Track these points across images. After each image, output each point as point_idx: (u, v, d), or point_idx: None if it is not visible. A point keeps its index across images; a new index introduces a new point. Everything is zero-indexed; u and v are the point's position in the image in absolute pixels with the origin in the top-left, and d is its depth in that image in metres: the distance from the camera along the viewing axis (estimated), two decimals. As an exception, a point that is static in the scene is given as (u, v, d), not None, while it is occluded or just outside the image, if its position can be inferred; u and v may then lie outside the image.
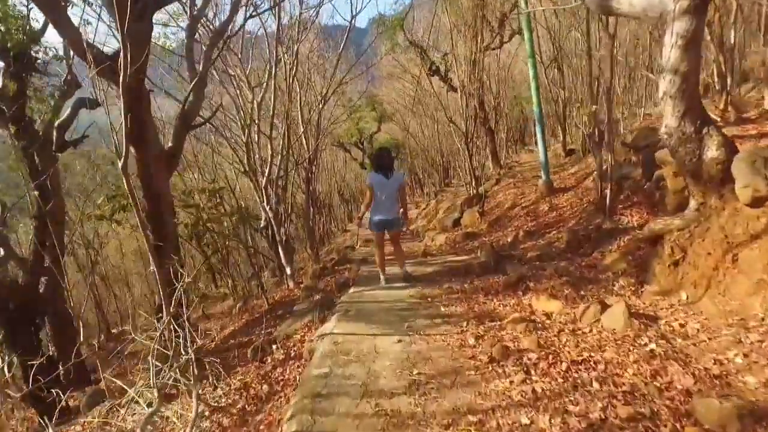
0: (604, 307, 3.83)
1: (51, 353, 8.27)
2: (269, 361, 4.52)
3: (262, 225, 12.66)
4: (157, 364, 3.56)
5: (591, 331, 3.67)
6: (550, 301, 4.40)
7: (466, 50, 12.95)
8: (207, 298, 23.08)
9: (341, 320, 4.88)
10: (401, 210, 6.40)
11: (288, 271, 10.19)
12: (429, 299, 5.36)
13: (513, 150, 21.51)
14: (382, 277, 6.51)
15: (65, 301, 8.31)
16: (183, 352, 3.93)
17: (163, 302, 4.57)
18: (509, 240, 8.87)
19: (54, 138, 8.40)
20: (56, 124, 8.34)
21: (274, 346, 4.73)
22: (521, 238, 8.64)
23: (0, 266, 7.75)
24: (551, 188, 10.44)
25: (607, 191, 6.33)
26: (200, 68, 6.80)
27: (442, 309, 4.93)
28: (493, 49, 15.50)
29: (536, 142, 11.19)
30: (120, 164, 3.60)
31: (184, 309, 4.97)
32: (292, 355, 4.43)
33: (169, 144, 6.62)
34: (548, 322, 4.05)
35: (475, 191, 12.87)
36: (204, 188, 6.18)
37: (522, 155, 21.04)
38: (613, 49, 6.26)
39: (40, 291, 7.96)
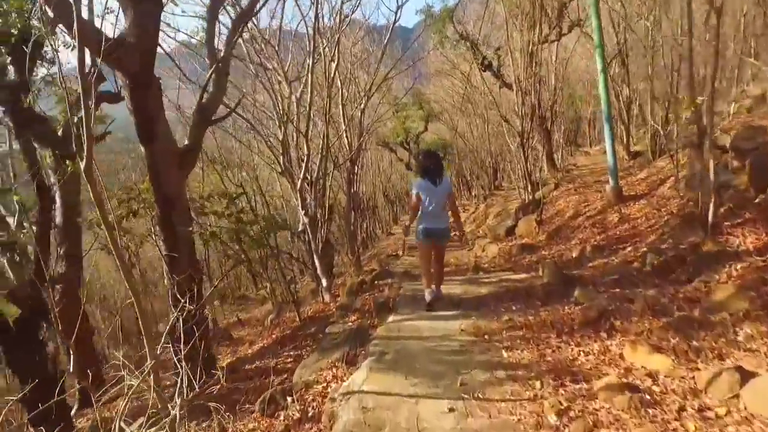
0: (744, 375, 2.70)
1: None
2: (281, 418, 3.58)
3: (300, 229, 11.93)
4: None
5: (729, 414, 2.55)
6: (653, 355, 3.29)
7: (522, 42, 11.76)
8: (246, 299, 22.65)
9: (374, 369, 3.87)
10: (452, 220, 5.99)
11: (324, 282, 9.30)
12: (486, 336, 4.31)
13: (567, 152, 20.04)
14: (427, 292, 5.84)
15: (83, 315, 7.65)
16: (176, 400, 3.04)
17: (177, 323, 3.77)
18: (574, 255, 7.69)
19: (73, 135, 7.75)
20: (75, 120, 7.69)
21: (289, 399, 3.78)
22: (589, 254, 7.45)
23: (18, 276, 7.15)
24: (620, 195, 9.16)
25: (710, 204, 5.10)
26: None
27: (505, 354, 3.88)
28: (551, 41, 14.20)
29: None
30: (83, 166, 2.73)
31: (197, 336, 4.13)
32: (310, 414, 3.46)
33: (186, 141, 5.82)
34: (657, 390, 2.94)
35: (531, 197, 11.67)
36: (224, 192, 5.29)
37: (578, 158, 19.55)
38: (719, 28, 5.03)
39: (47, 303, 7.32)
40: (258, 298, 20.60)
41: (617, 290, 5.06)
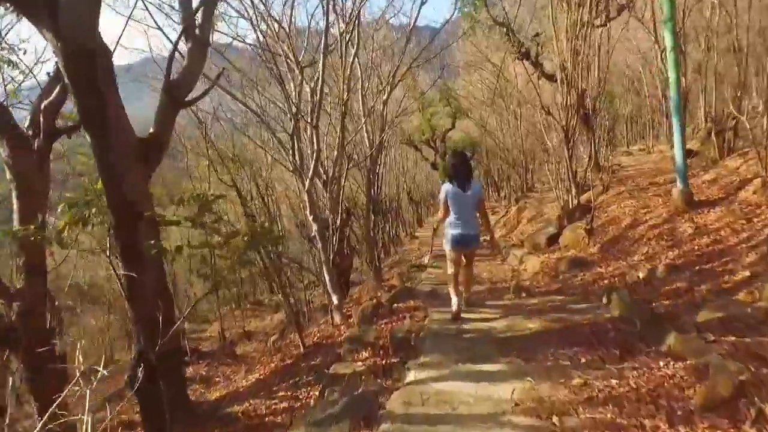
0: None
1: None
2: None
3: (312, 234, 10.70)
4: None
5: None
6: None
7: (567, 24, 10.23)
8: (260, 305, 21.47)
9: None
10: (483, 228, 5.70)
11: (335, 300, 7.96)
12: (554, 420, 2.87)
13: (607, 151, 18.27)
14: (454, 301, 5.62)
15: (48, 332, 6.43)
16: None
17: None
18: (641, 276, 6.18)
19: (41, 124, 6.56)
20: (42, 106, 6.49)
21: None
22: (661, 274, 5.94)
23: None
24: (690, 201, 7.61)
25: None
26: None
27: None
28: (599, 26, 12.61)
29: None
30: None
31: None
32: None
33: (151, 129, 4.51)
34: None
35: (575, 200, 10.14)
36: (194, 196, 3.97)
37: (619, 157, 17.79)
38: None
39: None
40: (272, 304, 19.43)
41: (733, 339, 3.57)
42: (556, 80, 13.16)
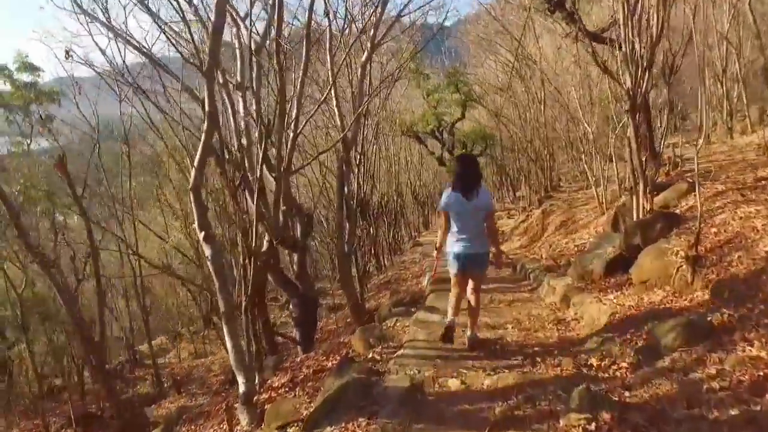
0: None
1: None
2: None
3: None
4: None
5: None
6: None
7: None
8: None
9: None
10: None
11: (241, 385, 4.49)
12: None
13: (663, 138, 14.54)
14: (449, 316, 4.81)
15: None
16: None
17: None
18: None
19: None
20: None
21: None
22: None
23: None
24: None
25: None
26: None
27: None
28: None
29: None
30: None
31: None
32: None
33: None
34: None
35: (648, 204, 6.58)
36: None
37: (685, 147, 13.82)
38: None
39: None
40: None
41: None
42: (603, 40, 9.66)
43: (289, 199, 8.35)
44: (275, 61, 6.45)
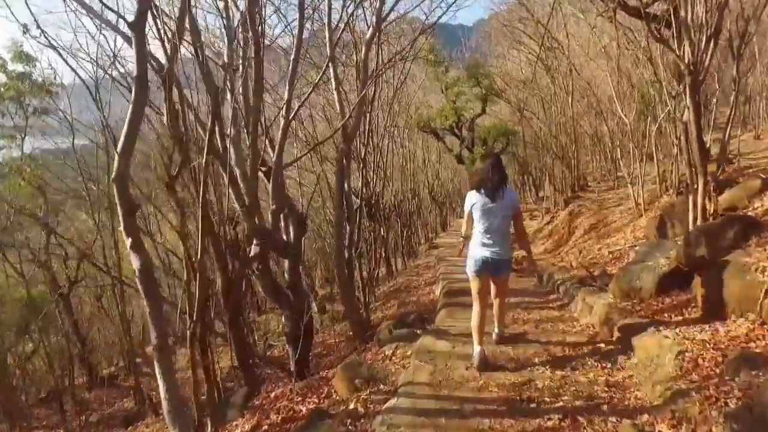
0: None
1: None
2: None
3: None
4: None
5: None
6: None
7: None
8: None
9: None
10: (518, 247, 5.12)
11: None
12: None
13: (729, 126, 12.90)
14: (475, 351, 4.28)
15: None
16: None
17: None
18: None
19: None
20: None
21: None
22: None
23: None
24: None
25: None
26: None
27: None
28: None
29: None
30: None
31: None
32: None
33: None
34: None
35: (712, 205, 5.31)
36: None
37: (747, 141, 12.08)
38: None
39: None
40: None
41: None
42: (647, 16, 8.36)
43: (280, 195, 7.22)
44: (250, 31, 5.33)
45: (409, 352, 4.78)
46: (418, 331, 5.52)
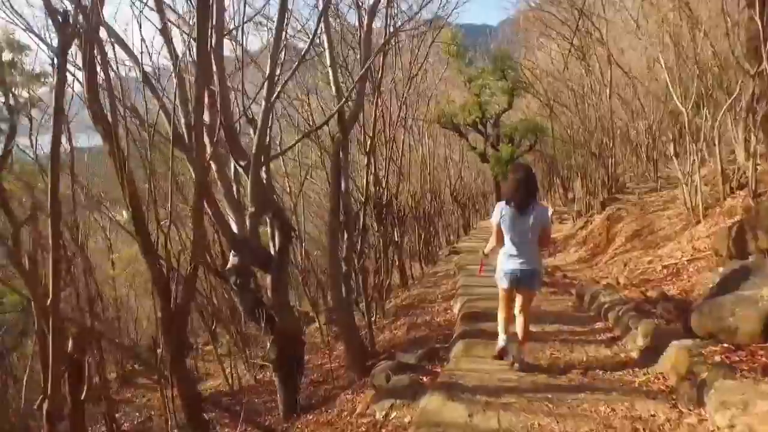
0: None
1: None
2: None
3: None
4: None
5: None
6: None
7: None
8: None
9: None
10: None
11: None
12: None
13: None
14: (500, 339, 4.54)
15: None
16: None
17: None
18: None
19: None
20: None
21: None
22: None
23: None
24: None
25: None
26: None
27: None
28: None
29: None
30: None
31: None
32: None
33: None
34: None
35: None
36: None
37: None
38: None
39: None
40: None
41: None
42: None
43: (260, 196, 5.91)
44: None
45: (407, 419, 3.41)
46: (424, 379, 4.13)
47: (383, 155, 9.97)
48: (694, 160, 8.83)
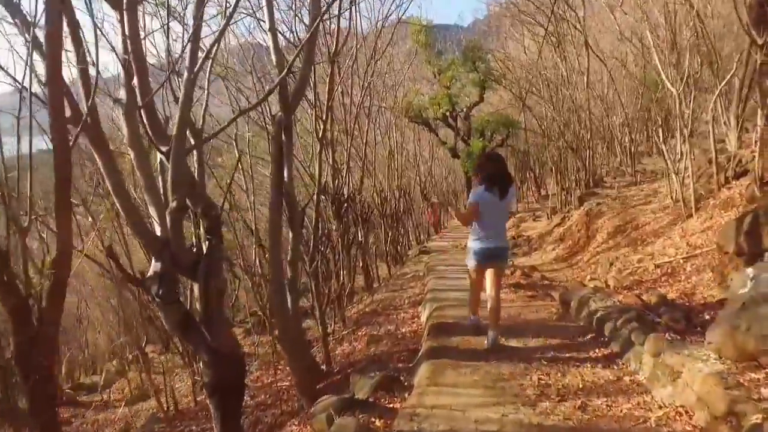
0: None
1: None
2: None
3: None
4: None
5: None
6: None
7: None
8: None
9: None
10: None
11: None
12: None
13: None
14: (472, 317, 4.98)
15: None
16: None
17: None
18: None
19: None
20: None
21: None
22: None
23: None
24: None
25: None
26: None
27: None
28: None
29: None
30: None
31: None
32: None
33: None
34: None
35: None
36: None
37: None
38: None
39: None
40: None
41: None
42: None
43: (183, 187, 4.81)
44: None
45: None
46: (377, 423, 3.13)
47: (345, 146, 8.98)
48: (683, 149, 8.06)
